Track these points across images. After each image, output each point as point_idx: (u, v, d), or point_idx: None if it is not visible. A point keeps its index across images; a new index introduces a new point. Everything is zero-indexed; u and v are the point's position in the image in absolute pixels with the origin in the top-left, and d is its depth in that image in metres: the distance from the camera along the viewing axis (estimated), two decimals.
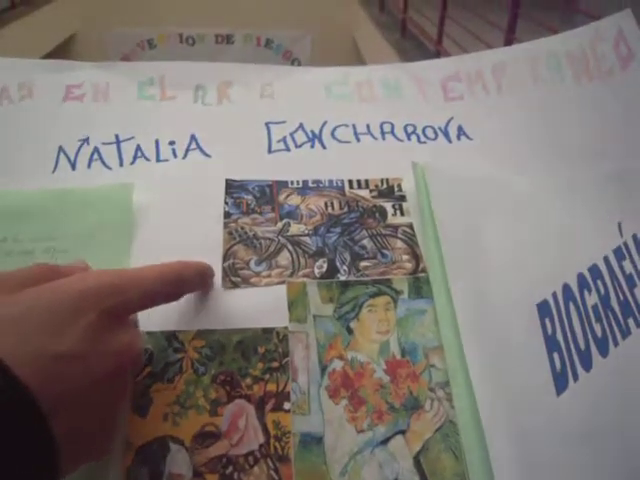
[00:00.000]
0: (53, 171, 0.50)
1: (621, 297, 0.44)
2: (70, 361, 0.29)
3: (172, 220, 0.46)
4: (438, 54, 2.96)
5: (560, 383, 0.39)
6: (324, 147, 0.52)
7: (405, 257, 0.44)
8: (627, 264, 0.45)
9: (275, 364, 0.39)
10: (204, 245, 0.45)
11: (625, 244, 0.46)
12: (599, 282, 0.44)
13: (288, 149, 0.52)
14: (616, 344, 0.41)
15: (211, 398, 0.39)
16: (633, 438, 0.38)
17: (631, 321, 0.43)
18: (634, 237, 0.47)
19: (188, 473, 0.36)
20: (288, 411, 0.38)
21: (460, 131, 0.53)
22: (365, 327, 0.41)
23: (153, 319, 0.41)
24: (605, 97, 0.55)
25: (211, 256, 0.44)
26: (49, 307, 0.30)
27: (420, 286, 0.43)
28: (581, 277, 0.44)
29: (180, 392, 0.39)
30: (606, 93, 0.55)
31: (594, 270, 0.45)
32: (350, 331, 0.41)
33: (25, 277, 0.32)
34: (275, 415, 0.38)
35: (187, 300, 0.41)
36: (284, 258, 0.44)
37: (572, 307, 0.43)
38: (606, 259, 0.46)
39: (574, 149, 0.52)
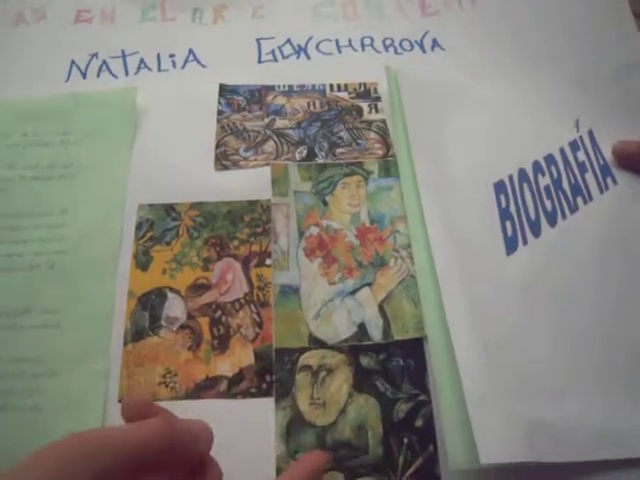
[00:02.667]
0: (66, 80, 0.55)
1: (572, 180, 0.48)
2: None
3: (171, 117, 0.51)
4: None
5: (510, 245, 0.43)
6: (309, 58, 0.56)
7: (377, 145, 0.49)
8: (581, 154, 0.49)
9: (259, 229, 0.44)
10: (199, 137, 0.49)
11: (580, 137, 0.50)
12: (553, 168, 0.48)
13: (276, 60, 0.56)
14: (564, 217, 0.46)
15: (203, 257, 0.43)
16: (571, 295, 0.42)
17: (580, 199, 0.47)
18: (590, 132, 0.51)
19: (183, 316, 0.41)
20: (269, 266, 0.43)
21: (434, 43, 0.57)
22: (339, 200, 0.45)
23: (154, 193, 0.46)
24: (574, 3, 0.58)
25: (205, 145, 0.48)
26: None
27: (389, 167, 0.47)
28: (536, 163, 0.48)
29: (177, 252, 0.44)
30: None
31: (549, 158, 0.49)
32: (325, 204, 0.45)
33: None
34: (258, 270, 0.43)
35: (183, 178, 0.46)
36: (269, 146, 0.48)
37: (526, 187, 0.47)
38: (561, 149, 0.49)
39: (542, 55, 0.56)
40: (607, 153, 0.49)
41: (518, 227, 0.44)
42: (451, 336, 0.38)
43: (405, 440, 0.38)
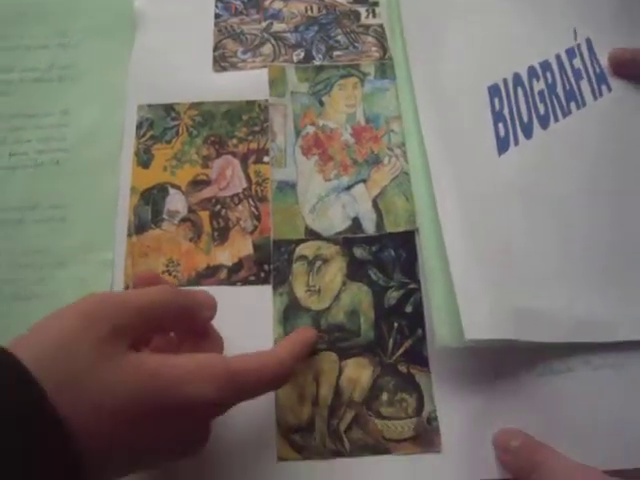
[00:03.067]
0: None
1: (567, 86, 0.48)
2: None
3: (169, 20, 0.50)
4: None
5: (502, 145, 0.44)
6: None
7: (374, 49, 0.49)
8: (577, 61, 0.49)
9: (257, 128, 0.45)
10: (197, 40, 0.49)
11: (578, 45, 0.50)
12: (548, 73, 0.49)
13: None
14: (556, 120, 0.46)
15: (203, 154, 0.44)
16: (562, 193, 0.43)
17: (573, 104, 0.47)
18: (587, 40, 0.50)
19: (184, 210, 0.43)
20: (267, 163, 0.44)
21: None
22: (335, 101, 0.46)
23: (153, 94, 0.46)
24: None
25: (203, 48, 0.49)
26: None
27: (385, 69, 0.47)
28: (531, 68, 0.49)
29: (177, 150, 0.45)
30: None
31: (545, 64, 0.49)
32: (322, 104, 0.46)
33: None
34: (256, 167, 0.44)
35: (181, 79, 0.47)
36: (267, 49, 0.49)
37: (520, 91, 0.47)
38: (558, 56, 0.50)
39: None
40: (604, 61, 0.49)
41: (510, 129, 0.45)
42: (442, 227, 0.39)
43: (395, 324, 0.40)
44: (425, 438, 0.37)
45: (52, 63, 0.48)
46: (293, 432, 0.37)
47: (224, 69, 0.47)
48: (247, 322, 0.40)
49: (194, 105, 0.46)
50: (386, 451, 0.37)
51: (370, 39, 0.49)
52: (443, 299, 0.38)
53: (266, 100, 0.46)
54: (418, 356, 0.39)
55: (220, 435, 0.37)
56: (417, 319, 0.40)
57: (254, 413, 0.38)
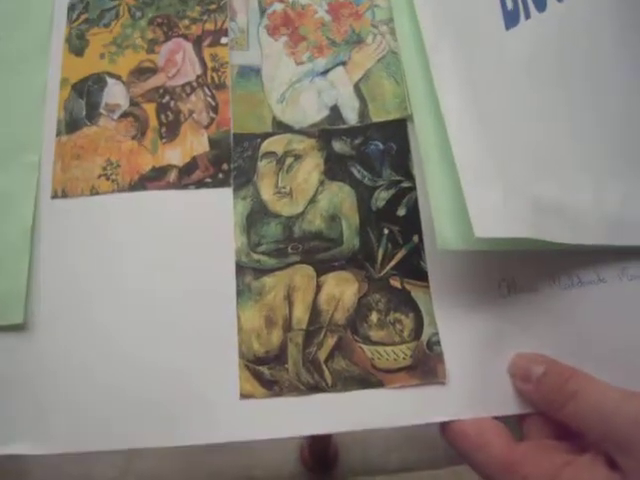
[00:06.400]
0: None
1: None
2: None
3: None
4: None
5: (510, 19, 0.34)
6: None
7: None
8: None
9: (213, 6, 0.35)
10: None
11: None
12: None
13: None
14: None
15: (148, 38, 0.34)
16: (585, 73, 0.33)
17: None
18: None
19: (125, 103, 0.33)
20: (225, 45, 0.34)
21: None
22: None
23: None
24: None
25: None
26: None
27: None
28: None
29: (117, 34, 0.34)
30: None
31: None
32: None
33: None
34: (212, 50, 0.34)
35: None
36: None
37: None
38: None
39: None
40: None
41: (520, 0, 0.35)
42: (442, 112, 0.29)
43: (385, 231, 0.30)
44: (425, 367, 0.28)
45: None
46: (259, 363, 0.28)
47: None
48: (203, 232, 0.30)
49: None
50: (377, 384, 0.28)
51: None
52: (445, 195, 0.28)
53: None
54: (414, 268, 0.30)
55: (170, 367, 0.28)
56: (412, 224, 0.30)
57: (209, 340, 0.28)
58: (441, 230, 0.28)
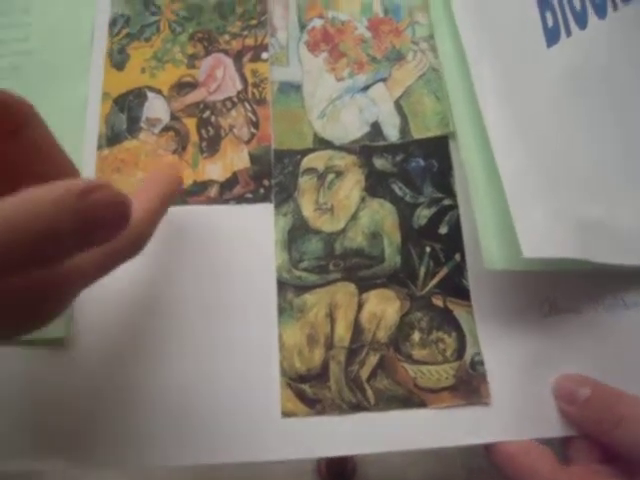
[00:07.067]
0: None
1: None
2: None
3: None
4: None
5: (551, 36, 0.34)
6: None
7: None
8: None
9: (253, 22, 0.35)
10: None
11: None
12: None
13: None
14: (616, 9, 0.36)
15: (188, 53, 0.34)
16: (627, 91, 0.33)
17: None
18: None
19: (166, 117, 0.33)
20: (266, 61, 0.34)
21: None
22: None
23: None
24: None
25: None
26: None
27: None
28: None
29: (157, 49, 0.34)
30: None
31: None
32: None
33: None
34: (253, 65, 0.34)
35: None
36: None
37: None
38: None
39: None
40: None
41: (560, 18, 0.35)
42: (487, 130, 0.29)
43: (427, 248, 0.30)
44: (469, 387, 0.27)
45: None
46: (301, 381, 0.28)
47: None
48: (243, 248, 0.30)
49: None
50: (420, 403, 0.27)
51: None
52: (491, 214, 0.28)
53: None
54: (456, 287, 0.29)
55: (210, 388, 0.28)
56: (454, 242, 0.30)
57: (251, 356, 0.28)
58: (488, 250, 0.27)
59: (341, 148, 0.32)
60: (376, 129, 0.32)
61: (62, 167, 0.24)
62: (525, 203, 0.27)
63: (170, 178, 0.27)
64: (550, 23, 0.34)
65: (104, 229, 0.19)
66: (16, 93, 0.22)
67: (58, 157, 0.23)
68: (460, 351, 0.28)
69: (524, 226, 0.26)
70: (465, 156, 0.30)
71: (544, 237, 0.26)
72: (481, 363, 0.28)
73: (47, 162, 0.23)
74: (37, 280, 0.21)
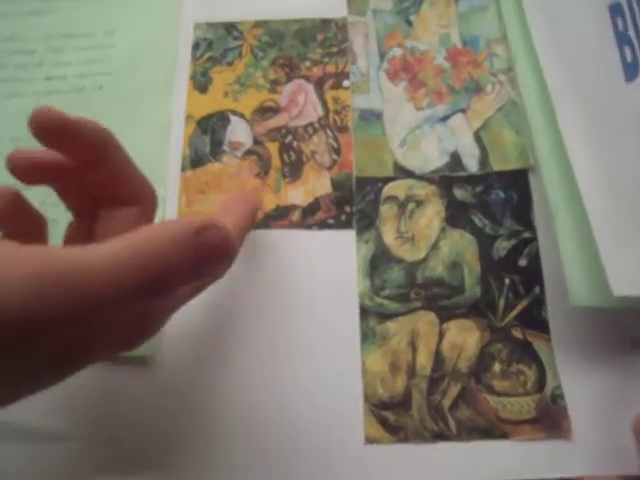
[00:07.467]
0: None
1: None
2: None
3: None
4: None
5: (630, 71, 0.34)
6: None
7: None
8: None
9: (334, 49, 0.35)
10: None
11: None
12: None
13: None
14: None
15: (270, 78, 0.35)
16: None
17: None
18: None
19: (248, 141, 0.33)
20: (347, 88, 0.34)
21: None
22: (425, 20, 0.36)
23: (211, 11, 0.37)
24: None
25: None
26: None
27: None
28: None
29: (240, 73, 0.35)
30: None
31: None
32: (410, 23, 0.36)
33: None
34: (334, 92, 0.34)
35: None
36: None
37: None
38: None
39: None
40: None
41: (639, 52, 0.35)
42: (572, 165, 0.29)
43: (506, 280, 0.30)
44: (550, 420, 0.28)
45: None
46: (384, 408, 0.28)
47: None
48: (326, 273, 0.30)
49: (260, 23, 0.36)
50: (503, 435, 0.27)
51: None
52: (577, 249, 0.28)
53: (344, 18, 0.36)
54: (536, 319, 0.29)
55: (293, 412, 0.28)
56: (534, 274, 0.30)
57: (333, 381, 0.28)
58: (574, 286, 0.27)
59: (421, 177, 0.32)
60: (455, 159, 0.32)
61: (141, 190, 0.24)
62: (613, 240, 0.27)
63: (252, 199, 0.28)
64: (629, 58, 0.35)
65: (216, 265, 0.20)
66: (98, 122, 0.22)
67: (137, 180, 0.24)
68: (540, 384, 0.28)
69: (613, 263, 0.27)
70: (549, 190, 0.30)
71: (634, 275, 0.27)
72: (562, 397, 0.28)
73: (127, 186, 0.24)
74: (146, 308, 0.22)
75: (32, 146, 0.28)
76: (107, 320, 0.19)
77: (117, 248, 0.17)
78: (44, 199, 0.26)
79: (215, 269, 0.20)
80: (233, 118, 0.34)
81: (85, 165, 0.22)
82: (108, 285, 0.16)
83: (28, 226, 0.23)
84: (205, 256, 0.19)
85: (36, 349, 0.17)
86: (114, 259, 0.17)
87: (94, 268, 0.16)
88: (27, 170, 0.22)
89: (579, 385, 0.28)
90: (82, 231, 0.24)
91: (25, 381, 0.18)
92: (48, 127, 0.21)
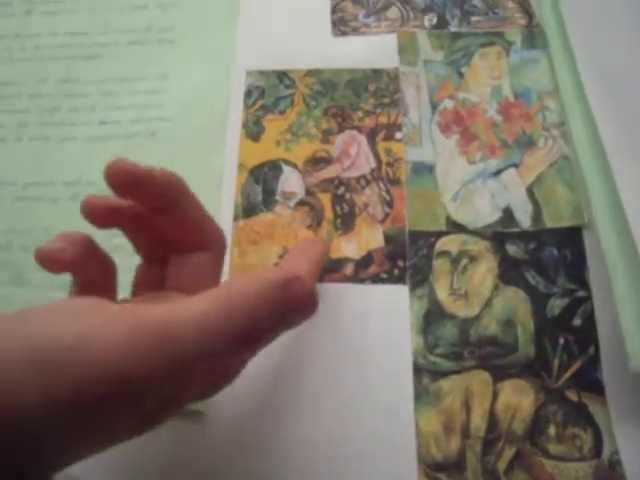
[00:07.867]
0: None
1: None
2: None
3: None
4: None
5: None
6: None
7: (518, 15, 0.39)
8: None
9: (386, 100, 0.35)
10: (311, 3, 0.40)
11: None
12: None
13: None
14: None
15: (322, 128, 0.35)
16: None
17: None
18: None
19: (301, 192, 0.34)
20: (399, 140, 0.34)
21: None
22: (476, 72, 0.36)
23: (264, 59, 0.37)
24: None
25: (319, 11, 0.39)
26: None
27: (533, 38, 0.37)
28: None
29: (292, 122, 0.35)
30: None
31: None
32: (461, 75, 0.36)
33: None
34: (386, 144, 0.34)
35: (296, 43, 0.38)
36: (393, 13, 0.39)
37: None
38: None
39: None
40: None
41: None
42: (628, 220, 0.29)
43: (561, 340, 0.30)
44: None
45: (150, 24, 0.40)
46: (438, 469, 0.28)
47: (344, 34, 0.38)
48: (379, 329, 0.30)
49: (312, 72, 0.36)
50: None
51: (512, 4, 0.39)
52: (636, 311, 0.28)
53: (396, 68, 0.36)
54: (591, 381, 0.29)
55: (347, 472, 0.28)
56: (588, 334, 0.30)
57: (389, 445, 0.28)
58: (636, 351, 0.27)
59: (474, 233, 0.32)
60: (508, 215, 0.32)
61: (211, 235, 0.25)
62: None
63: (322, 244, 0.28)
64: None
65: (301, 317, 0.20)
66: (169, 171, 0.23)
67: (208, 226, 0.25)
68: (597, 448, 0.28)
69: None
70: (606, 249, 0.30)
71: None
72: (619, 463, 0.28)
73: (198, 231, 0.24)
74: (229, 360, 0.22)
75: (86, 190, 0.29)
76: (195, 376, 0.19)
77: (207, 308, 0.18)
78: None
79: (300, 320, 0.20)
80: (285, 168, 0.34)
81: (157, 211, 0.23)
82: (200, 344, 0.17)
83: (100, 272, 0.23)
84: (292, 309, 0.20)
85: (127, 406, 0.17)
86: (205, 318, 0.17)
87: (187, 329, 0.17)
88: (101, 215, 0.23)
89: (638, 451, 0.28)
90: (152, 275, 0.25)
91: (110, 439, 0.18)
92: (123, 179, 0.21)
